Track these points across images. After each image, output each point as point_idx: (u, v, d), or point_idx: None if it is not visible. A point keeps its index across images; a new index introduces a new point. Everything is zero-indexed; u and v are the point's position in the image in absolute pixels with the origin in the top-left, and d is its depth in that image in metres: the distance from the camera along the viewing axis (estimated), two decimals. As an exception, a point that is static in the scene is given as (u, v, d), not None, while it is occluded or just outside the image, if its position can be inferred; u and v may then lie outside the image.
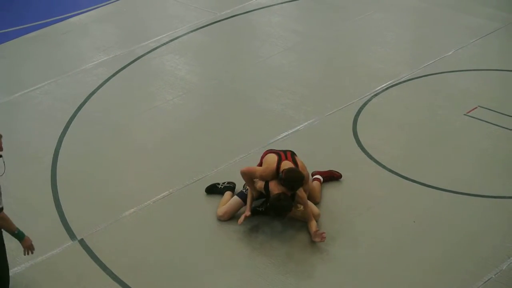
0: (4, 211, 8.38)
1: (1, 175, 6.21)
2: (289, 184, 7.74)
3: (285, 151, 8.16)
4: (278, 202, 7.67)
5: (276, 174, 7.90)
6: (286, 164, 7.93)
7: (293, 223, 8.08)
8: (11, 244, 7.95)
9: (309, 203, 8.06)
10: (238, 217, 8.06)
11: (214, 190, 8.51)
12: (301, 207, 7.91)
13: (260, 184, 8.01)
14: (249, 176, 8.05)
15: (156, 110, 10.19)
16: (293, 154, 8.16)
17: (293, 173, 7.78)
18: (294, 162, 8.01)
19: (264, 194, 8.02)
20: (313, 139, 9.44)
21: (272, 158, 8.03)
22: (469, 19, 12.32)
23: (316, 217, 8.00)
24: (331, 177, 8.64)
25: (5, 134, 9.85)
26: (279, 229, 8.02)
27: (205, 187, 8.54)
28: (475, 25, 12.12)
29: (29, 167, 9.16)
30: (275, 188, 7.84)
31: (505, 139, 9.37)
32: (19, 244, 7.91)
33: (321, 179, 8.50)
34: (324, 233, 7.73)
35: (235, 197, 8.20)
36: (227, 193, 8.37)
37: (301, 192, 7.87)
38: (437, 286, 7.30)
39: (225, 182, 8.53)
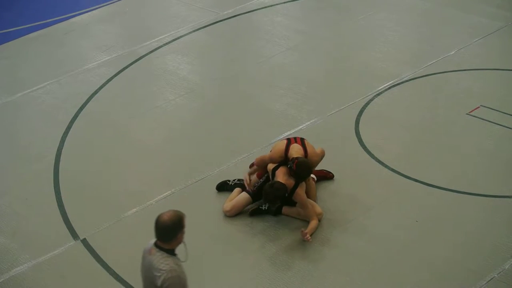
0: (7, 210, 8.42)
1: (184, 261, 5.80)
2: (298, 175, 7.86)
3: (295, 137, 8.27)
4: (270, 189, 7.75)
5: (285, 157, 8.02)
6: (295, 147, 8.06)
7: (297, 223, 8.08)
8: (14, 244, 7.98)
9: (312, 202, 8.07)
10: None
11: (224, 187, 8.53)
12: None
13: (270, 166, 8.13)
14: (261, 165, 8.23)
15: (158, 110, 10.19)
16: (302, 139, 8.24)
17: (305, 164, 7.90)
18: (304, 146, 8.12)
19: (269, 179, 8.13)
20: (316, 139, 9.41)
21: (281, 142, 8.22)
22: (472, 18, 12.31)
23: (319, 216, 8.00)
24: (324, 177, 8.66)
25: (8, 134, 9.94)
26: (282, 228, 8.02)
27: (216, 184, 8.57)
28: (478, 25, 12.10)
29: (31, 166, 9.16)
30: (280, 174, 7.95)
31: (507, 138, 9.36)
32: (21, 244, 7.96)
33: (315, 178, 8.50)
34: (307, 235, 7.73)
35: (243, 193, 8.22)
36: (236, 190, 8.39)
37: (301, 190, 7.92)
38: (440, 286, 7.29)
39: (235, 179, 8.55)
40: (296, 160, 7.88)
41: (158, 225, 5.46)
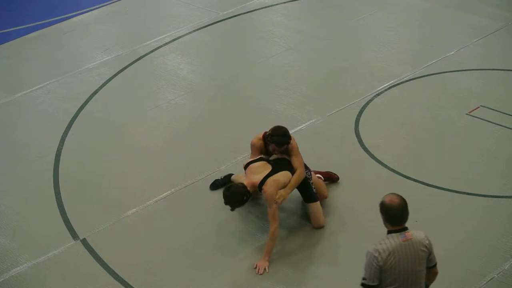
0: (7, 210, 8.42)
1: None
2: (276, 139, 7.67)
3: None
4: (226, 193, 7.57)
5: (263, 140, 7.89)
6: None
7: (297, 222, 8.07)
8: (13, 244, 7.98)
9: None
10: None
11: (217, 184, 8.57)
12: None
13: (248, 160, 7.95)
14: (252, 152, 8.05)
15: (158, 110, 10.19)
16: None
17: (280, 129, 7.74)
18: None
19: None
20: (315, 139, 9.44)
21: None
22: (472, 18, 12.31)
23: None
24: (329, 178, 8.59)
25: (7, 134, 9.95)
26: (282, 228, 7.99)
27: (209, 186, 8.59)
28: (478, 25, 12.10)
29: (31, 166, 9.16)
30: (248, 172, 7.75)
31: (507, 138, 9.36)
32: (21, 244, 7.96)
33: (322, 178, 8.48)
34: (258, 269, 7.50)
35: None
36: (234, 176, 8.45)
37: (268, 186, 7.51)
38: (440, 285, 7.27)
39: (222, 176, 8.62)
40: (271, 128, 7.79)
41: (402, 209, 5.54)
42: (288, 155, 7.84)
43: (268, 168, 7.72)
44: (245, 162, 7.95)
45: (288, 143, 7.74)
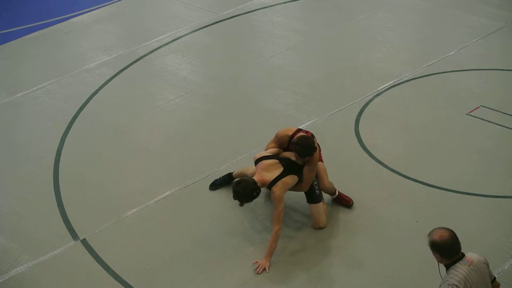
0: (7, 210, 8.42)
1: None
2: (300, 149, 7.54)
3: (306, 131, 8.03)
4: (236, 187, 7.45)
5: (290, 139, 7.80)
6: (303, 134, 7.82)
7: (299, 223, 8.07)
8: (13, 244, 7.98)
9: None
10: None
11: (216, 184, 8.56)
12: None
13: (259, 154, 7.86)
14: (272, 142, 8.01)
15: (158, 110, 10.19)
16: (313, 135, 7.96)
17: (307, 140, 7.60)
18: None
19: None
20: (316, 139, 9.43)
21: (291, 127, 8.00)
22: (472, 18, 12.31)
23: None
24: (344, 200, 8.29)
25: (7, 134, 9.95)
26: (283, 228, 7.99)
27: (208, 186, 8.59)
28: (478, 25, 12.10)
29: (31, 167, 9.16)
30: (258, 168, 7.67)
31: (507, 138, 9.36)
32: (21, 244, 7.96)
33: (336, 193, 8.27)
34: (258, 268, 7.52)
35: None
36: (235, 172, 8.43)
37: (278, 189, 7.49)
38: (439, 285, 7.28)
39: (221, 176, 8.61)
40: (298, 136, 7.66)
41: (454, 240, 5.62)
42: (306, 164, 7.75)
43: (279, 168, 7.67)
44: (257, 156, 7.85)
45: (311, 155, 7.64)
